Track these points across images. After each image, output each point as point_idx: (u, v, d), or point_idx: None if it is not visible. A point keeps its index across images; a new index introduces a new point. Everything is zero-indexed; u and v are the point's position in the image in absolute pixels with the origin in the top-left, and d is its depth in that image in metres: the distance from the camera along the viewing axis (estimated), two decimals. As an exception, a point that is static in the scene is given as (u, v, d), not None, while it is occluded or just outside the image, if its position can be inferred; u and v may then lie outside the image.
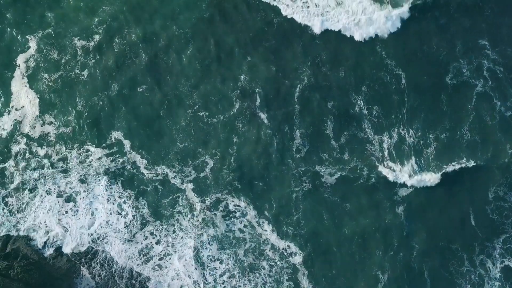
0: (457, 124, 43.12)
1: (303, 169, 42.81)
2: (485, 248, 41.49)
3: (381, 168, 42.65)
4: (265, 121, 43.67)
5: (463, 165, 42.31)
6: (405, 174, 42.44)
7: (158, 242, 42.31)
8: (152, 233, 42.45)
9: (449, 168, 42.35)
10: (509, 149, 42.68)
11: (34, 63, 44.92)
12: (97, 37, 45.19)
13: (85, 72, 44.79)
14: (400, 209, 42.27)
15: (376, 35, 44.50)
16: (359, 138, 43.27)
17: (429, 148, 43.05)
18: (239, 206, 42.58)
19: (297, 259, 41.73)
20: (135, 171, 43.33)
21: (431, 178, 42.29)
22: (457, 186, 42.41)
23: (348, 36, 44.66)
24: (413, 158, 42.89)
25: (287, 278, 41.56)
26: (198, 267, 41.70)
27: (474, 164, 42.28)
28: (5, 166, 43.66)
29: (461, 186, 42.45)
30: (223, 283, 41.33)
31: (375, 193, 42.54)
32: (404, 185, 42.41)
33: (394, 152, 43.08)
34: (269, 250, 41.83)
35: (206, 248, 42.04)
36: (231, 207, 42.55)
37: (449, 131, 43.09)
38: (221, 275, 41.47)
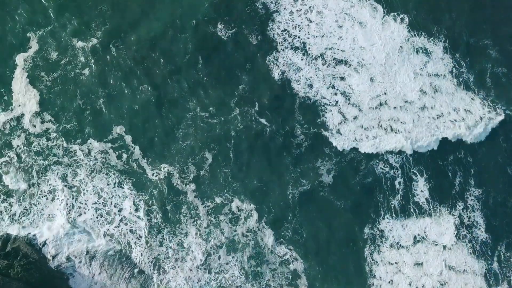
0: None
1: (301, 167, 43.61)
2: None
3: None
4: (263, 119, 44.50)
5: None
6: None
7: (162, 245, 42.35)
8: (156, 237, 42.47)
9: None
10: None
11: (34, 62, 44.94)
12: (96, 38, 45.55)
13: (86, 71, 45.01)
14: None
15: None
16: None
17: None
18: (242, 209, 42.90)
19: (297, 264, 42.20)
20: (139, 169, 43.46)
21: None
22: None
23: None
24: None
25: (287, 283, 42.12)
26: (203, 271, 41.87)
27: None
28: (6, 162, 43.44)
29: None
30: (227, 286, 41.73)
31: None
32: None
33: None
34: (270, 254, 42.26)
35: (211, 253, 42.28)
36: (234, 210, 42.84)
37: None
38: (225, 278, 41.78)
